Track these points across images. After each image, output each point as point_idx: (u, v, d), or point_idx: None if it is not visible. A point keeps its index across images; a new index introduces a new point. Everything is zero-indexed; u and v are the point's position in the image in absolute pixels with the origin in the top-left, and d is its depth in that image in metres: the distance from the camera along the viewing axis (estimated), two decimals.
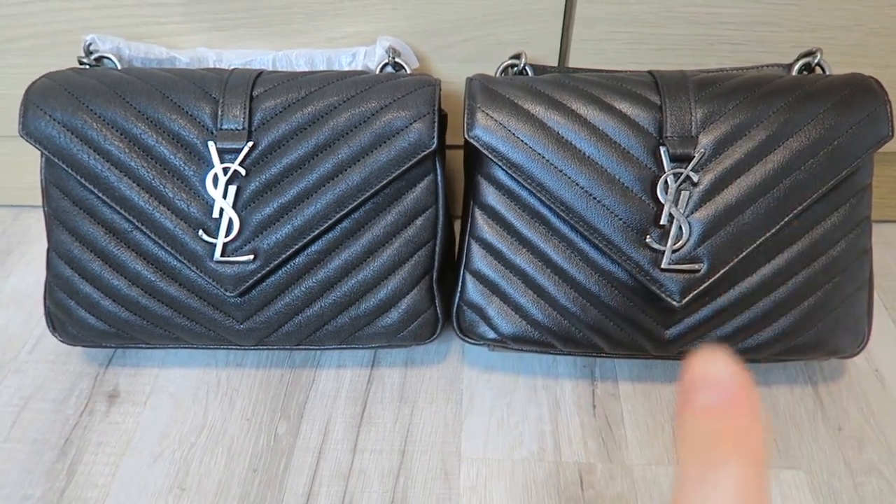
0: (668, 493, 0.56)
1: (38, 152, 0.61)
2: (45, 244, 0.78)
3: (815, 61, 0.61)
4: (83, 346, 0.65)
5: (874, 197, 0.59)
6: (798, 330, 0.58)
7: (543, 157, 0.55)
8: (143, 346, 0.63)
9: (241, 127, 0.56)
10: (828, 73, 0.61)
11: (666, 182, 0.55)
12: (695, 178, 0.54)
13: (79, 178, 0.56)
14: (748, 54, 0.67)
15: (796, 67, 0.61)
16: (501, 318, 0.60)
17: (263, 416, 0.61)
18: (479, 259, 0.60)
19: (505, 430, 0.60)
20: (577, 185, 0.55)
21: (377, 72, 0.64)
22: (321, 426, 0.61)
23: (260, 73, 0.59)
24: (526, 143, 0.56)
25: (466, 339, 0.62)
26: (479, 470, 0.58)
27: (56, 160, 0.56)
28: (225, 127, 0.56)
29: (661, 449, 0.59)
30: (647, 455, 0.58)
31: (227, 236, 0.56)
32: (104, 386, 0.64)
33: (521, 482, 0.57)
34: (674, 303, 0.55)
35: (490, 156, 0.56)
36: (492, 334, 0.60)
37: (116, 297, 0.59)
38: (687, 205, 0.55)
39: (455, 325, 0.62)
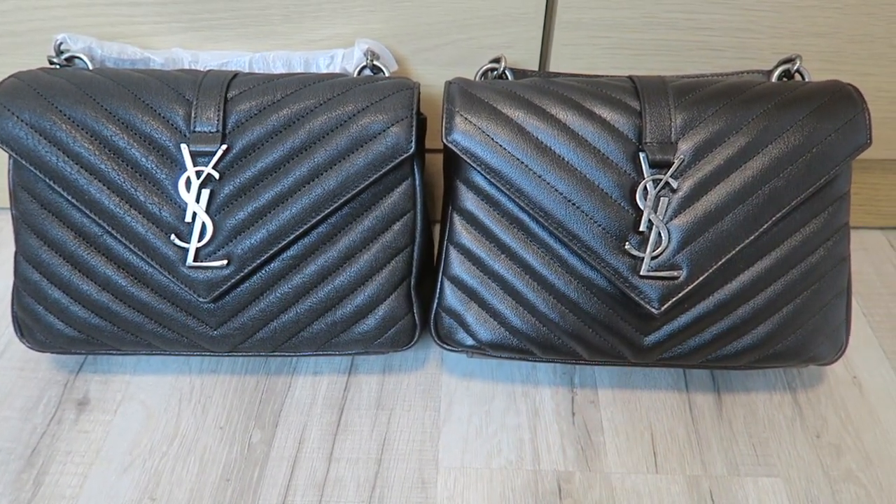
0: (647, 502, 0.55)
1: (6, 154, 0.59)
2: (12, 248, 0.76)
3: (795, 68, 0.61)
4: (52, 353, 0.63)
5: (853, 203, 0.59)
6: (777, 337, 0.58)
7: (522, 163, 0.55)
8: (115, 352, 0.61)
9: (214, 129, 0.55)
10: (807, 79, 0.61)
11: (645, 188, 0.54)
12: (674, 185, 0.54)
13: (47, 180, 0.55)
14: (728, 60, 0.67)
15: (776, 74, 0.61)
16: (480, 325, 0.59)
17: (237, 424, 0.60)
18: (458, 265, 0.59)
19: (483, 439, 0.60)
20: (555, 190, 0.55)
21: (355, 74, 0.63)
22: (296, 434, 0.60)
23: (235, 75, 0.58)
24: (504, 148, 0.55)
25: (444, 345, 0.61)
26: (456, 479, 0.57)
27: (24, 162, 0.55)
28: (198, 129, 0.55)
29: (640, 457, 0.58)
30: (626, 463, 0.58)
31: (199, 241, 0.55)
32: (74, 393, 0.62)
33: (499, 491, 0.56)
34: (653, 310, 0.55)
35: (468, 160, 0.56)
36: (470, 341, 0.60)
37: (86, 303, 0.57)
38: (666, 211, 0.54)
39: (433, 331, 0.61)
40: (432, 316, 0.61)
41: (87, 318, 0.58)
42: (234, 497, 0.55)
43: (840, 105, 0.56)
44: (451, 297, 0.59)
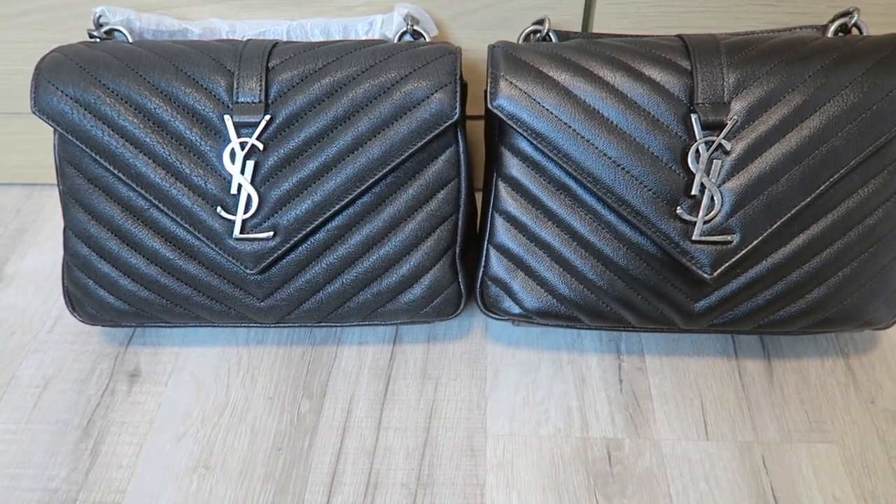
0: (697, 469, 0.55)
1: (51, 130, 0.60)
2: (59, 223, 0.77)
3: (853, 22, 0.58)
4: (103, 326, 0.64)
5: None
6: (832, 301, 0.57)
7: (570, 127, 0.54)
8: (163, 324, 0.62)
9: (257, 100, 0.55)
10: (865, 34, 0.58)
11: (697, 151, 0.53)
12: (727, 147, 0.53)
13: (93, 154, 0.55)
14: (780, 16, 0.64)
15: (832, 29, 0.59)
16: (526, 293, 0.58)
17: (286, 395, 0.61)
18: (503, 233, 0.58)
19: (531, 407, 0.60)
20: (604, 155, 0.53)
21: (395, 40, 0.62)
22: (344, 404, 0.60)
23: (275, 44, 0.57)
24: (551, 113, 0.54)
25: (490, 314, 0.61)
26: (505, 446, 0.57)
27: (70, 137, 0.55)
28: (241, 100, 0.55)
29: (690, 423, 0.58)
30: (675, 430, 0.58)
31: (245, 213, 0.55)
32: (125, 365, 0.63)
33: (549, 458, 0.56)
34: (705, 275, 0.54)
35: (514, 126, 0.54)
36: (517, 309, 0.59)
37: (135, 276, 0.58)
38: (719, 174, 0.53)
39: (479, 300, 0.61)
40: (478, 284, 0.60)
41: (137, 291, 0.58)
42: (287, 465, 0.56)
43: None
44: (497, 265, 0.59)
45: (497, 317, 0.61)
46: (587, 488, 0.54)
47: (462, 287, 0.61)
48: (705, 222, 0.53)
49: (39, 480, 0.55)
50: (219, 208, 0.55)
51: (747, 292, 0.56)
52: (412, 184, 0.57)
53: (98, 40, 0.61)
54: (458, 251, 0.60)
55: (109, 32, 0.62)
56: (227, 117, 0.54)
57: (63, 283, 0.61)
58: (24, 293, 0.71)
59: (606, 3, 0.64)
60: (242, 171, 0.55)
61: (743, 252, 0.53)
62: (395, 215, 0.57)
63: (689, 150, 0.53)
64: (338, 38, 0.64)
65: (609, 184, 0.54)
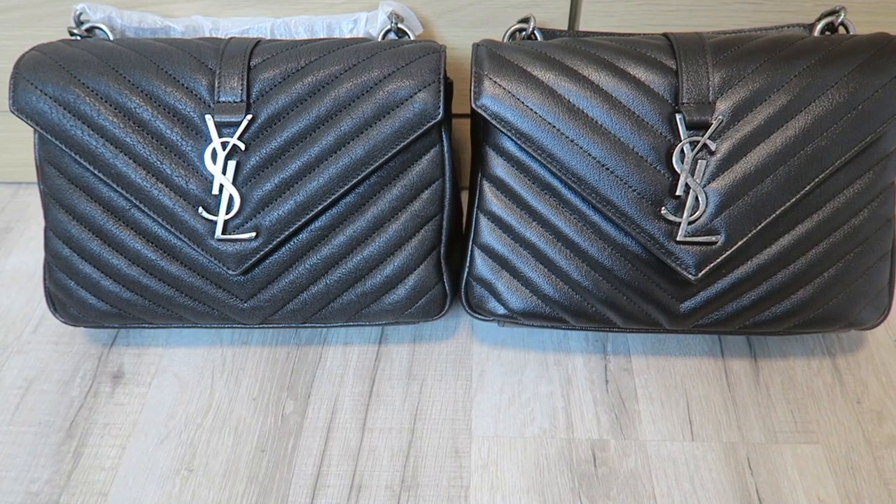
0: (683, 470, 0.55)
1: (32, 129, 0.59)
2: (42, 223, 0.76)
3: (839, 21, 0.58)
4: (85, 327, 0.63)
5: None
6: (818, 302, 0.56)
7: (554, 127, 0.53)
8: (147, 325, 0.61)
9: (239, 99, 0.54)
10: (852, 32, 0.58)
11: (682, 151, 0.53)
12: (712, 147, 0.52)
13: (73, 154, 0.54)
14: (767, 14, 0.64)
15: (818, 27, 0.59)
16: (511, 294, 0.58)
17: (270, 396, 0.60)
18: (488, 233, 0.58)
19: (516, 407, 0.59)
20: (589, 155, 0.53)
21: (380, 39, 0.61)
22: (329, 405, 0.60)
23: (258, 42, 0.57)
24: (536, 112, 0.53)
25: (476, 315, 0.61)
26: (490, 448, 0.57)
27: (49, 136, 0.54)
28: (223, 99, 0.54)
29: (675, 424, 0.58)
30: (661, 431, 0.57)
31: (227, 213, 0.54)
32: (108, 367, 0.63)
33: (533, 459, 0.56)
34: (689, 276, 0.53)
35: (498, 126, 0.54)
36: (502, 310, 0.59)
37: (117, 277, 0.57)
38: (703, 174, 0.53)
39: (464, 300, 0.60)
40: (463, 285, 0.60)
41: (119, 292, 0.58)
42: (270, 467, 0.56)
43: (887, 59, 0.53)
44: (482, 265, 0.58)
45: (482, 317, 0.60)
46: (572, 490, 0.54)
47: (447, 287, 0.60)
48: (690, 223, 0.53)
49: (21, 483, 0.55)
50: (200, 209, 0.55)
51: (733, 293, 0.56)
52: (396, 184, 0.57)
53: (79, 38, 0.60)
54: (442, 251, 0.59)
55: (90, 30, 0.61)
56: (208, 117, 0.54)
57: (44, 284, 0.60)
58: (8, 293, 0.70)
59: (593, 2, 0.64)
60: (224, 172, 0.54)
61: (728, 253, 0.53)
62: (379, 216, 0.57)
63: (673, 150, 0.53)
64: (322, 36, 0.63)
65: (593, 184, 0.53)
